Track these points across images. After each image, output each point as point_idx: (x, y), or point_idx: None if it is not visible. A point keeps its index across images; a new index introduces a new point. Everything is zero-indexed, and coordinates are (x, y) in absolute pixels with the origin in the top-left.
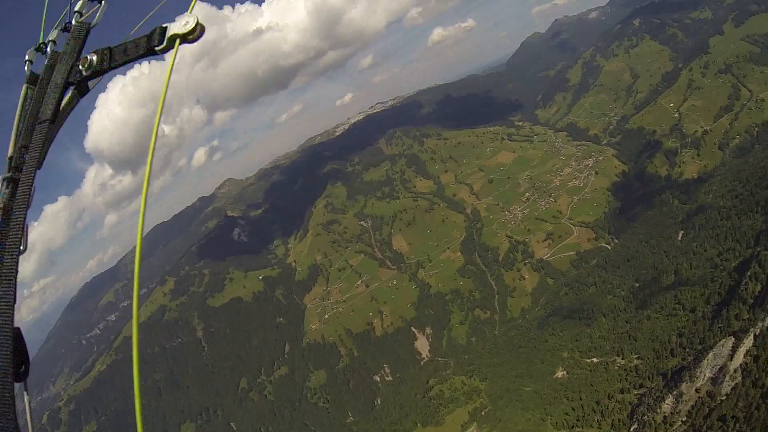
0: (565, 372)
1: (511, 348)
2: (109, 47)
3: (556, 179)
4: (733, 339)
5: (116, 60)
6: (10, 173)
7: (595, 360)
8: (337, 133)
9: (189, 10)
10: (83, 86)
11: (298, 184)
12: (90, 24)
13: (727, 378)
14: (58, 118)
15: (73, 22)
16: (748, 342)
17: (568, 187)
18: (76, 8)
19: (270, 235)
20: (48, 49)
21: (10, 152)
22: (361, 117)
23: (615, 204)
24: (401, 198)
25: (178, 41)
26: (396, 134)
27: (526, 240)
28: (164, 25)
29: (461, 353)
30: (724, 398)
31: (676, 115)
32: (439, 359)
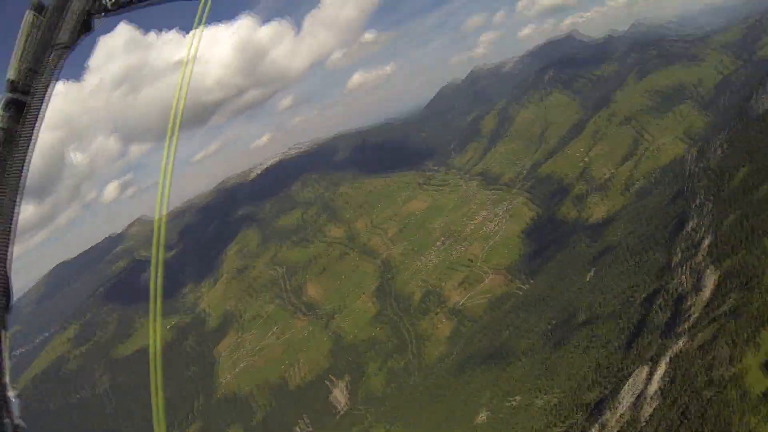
0: (487, 415)
1: (430, 395)
2: None
3: (469, 225)
4: (648, 366)
5: None
6: (14, 95)
7: (516, 400)
8: (252, 176)
9: None
10: (89, 23)
11: (211, 227)
12: None
13: (646, 403)
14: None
15: None
16: (663, 367)
17: (481, 233)
18: None
19: (182, 279)
20: None
21: (11, 75)
22: (276, 160)
23: (528, 248)
24: (314, 245)
25: None
26: (310, 180)
27: (441, 286)
28: None
29: (379, 403)
30: (645, 423)
31: (584, 161)
32: (358, 409)
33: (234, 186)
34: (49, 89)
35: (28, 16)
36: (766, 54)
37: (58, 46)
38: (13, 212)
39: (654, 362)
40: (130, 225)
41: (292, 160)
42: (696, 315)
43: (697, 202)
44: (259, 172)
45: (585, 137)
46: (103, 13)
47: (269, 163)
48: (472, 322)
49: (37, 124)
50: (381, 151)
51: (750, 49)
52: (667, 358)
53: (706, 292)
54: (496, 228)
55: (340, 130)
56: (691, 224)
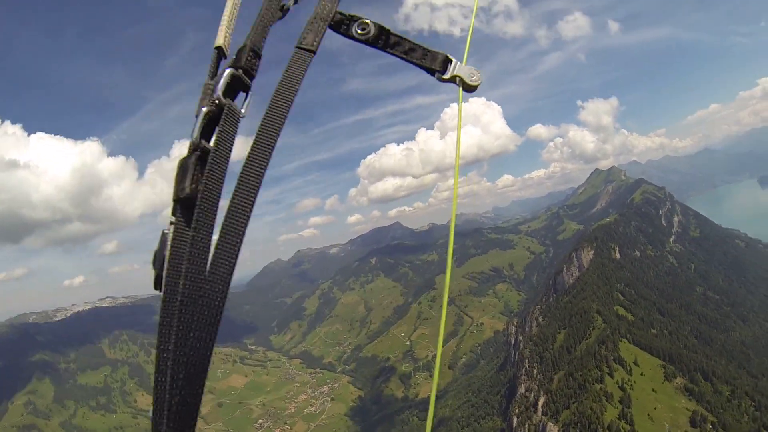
0: None
1: None
2: (388, 28)
3: (291, 406)
4: None
5: (389, 46)
6: (237, 70)
7: None
8: (57, 318)
9: (464, 61)
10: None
11: None
12: None
13: None
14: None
15: None
16: None
17: (303, 414)
18: None
19: None
20: None
21: (222, 42)
22: (87, 307)
23: (354, 428)
24: (119, 413)
25: (461, 84)
26: (122, 337)
27: None
28: (451, 57)
29: None
30: None
31: (408, 342)
32: None
33: (34, 324)
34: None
35: None
36: (565, 237)
37: (306, 49)
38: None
39: None
40: None
41: (105, 310)
42: None
43: (525, 367)
44: (66, 315)
45: (408, 319)
46: (340, 33)
47: (79, 308)
48: None
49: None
50: None
51: (553, 234)
52: None
53: None
54: (320, 409)
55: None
56: (523, 388)
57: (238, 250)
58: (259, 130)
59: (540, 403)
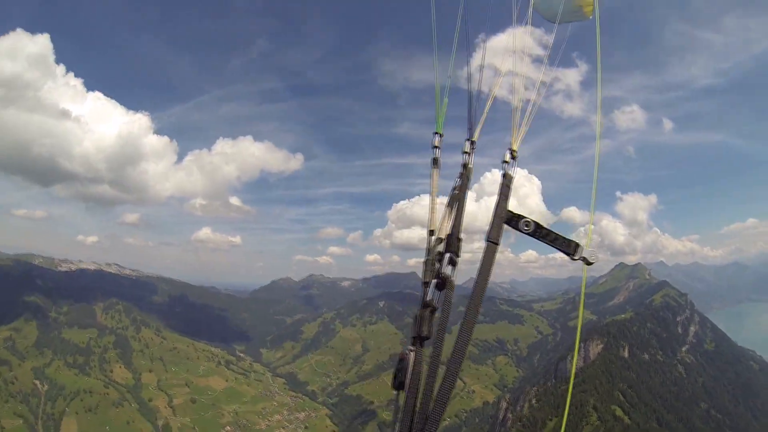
0: None
1: None
2: (543, 226)
3: (263, 422)
4: None
5: (544, 237)
6: (448, 254)
7: None
8: (61, 269)
9: (587, 245)
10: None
11: None
12: (514, 177)
13: None
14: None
15: (504, 170)
16: None
17: None
18: (505, 158)
19: None
20: (463, 159)
21: (432, 226)
22: (92, 267)
23: None
24: (92, 377)
25: (584, 262)
26: (118, 306)
27: None
28: (579, 244)
29: None
30: None
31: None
32: None
33: (38, 267)
34: None
35: (433, 172)
36: (576, 324)
37: (492, 242)
38: None
39: None
40: None
41: (109, 275)
42: None
43: None
44: (70, 268)
45: None
46: (512, 227)
47: (85, 266)
48: None
49: None
50: (197, 313)
51: (565, 318)
52: None
53: None
54: None
55: (166, 273)
56: None
57: (454, 383)
58: (466, 311)
59: None
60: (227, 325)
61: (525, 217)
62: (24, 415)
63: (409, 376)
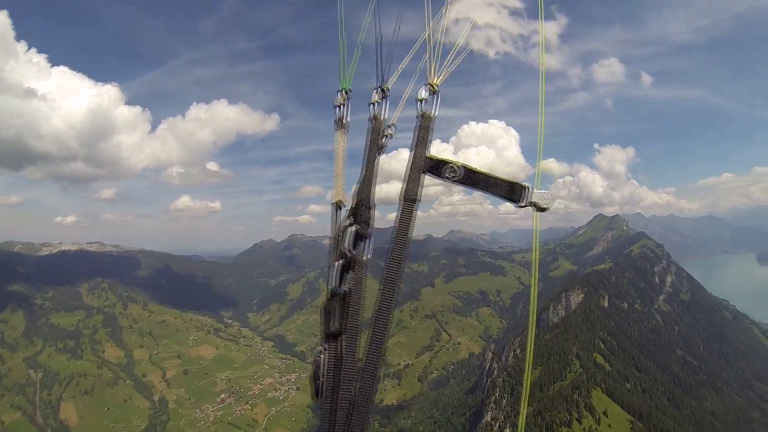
0: None
1: None
2: (476, 169)
3: (255, 387)
4: None
5: (477, 184)
6: (356, 226)
7: None
8: (42, 253)
9: (537, 186)
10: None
11: None
12: (434, 117)
13: None
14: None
15: (421, 109)
16: None
17: (267, 398)
18: (420, 96)
19: None
20: (371, 110)
21: (337, 197)
22: (74, 248)
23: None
24: (85, 360)
25: (536, 209)
26: (103, 285)
27: None
28: (526, 186)
29: None
30: None
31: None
32: None
33: (18, 254)
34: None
35: (338, 136)
36: (557, 274)
37: (410, 201)
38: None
39: None
40: None
41: (91, 255)
42: None
43: (495, 396)
44: (51, 252)
45: None
46: (435, 176)
47: (66, 247)
48: None
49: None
50: (182, 284)
51: (546, 269)
52: None
53: None
54: (284, 396)
55: (148, 246)
56: (489, 416)
57: (378, 371)
58: (385, 277)
59: None
60: (213, 292)
61: (450, 162)
62: (22, 407)
63: (323, 381)
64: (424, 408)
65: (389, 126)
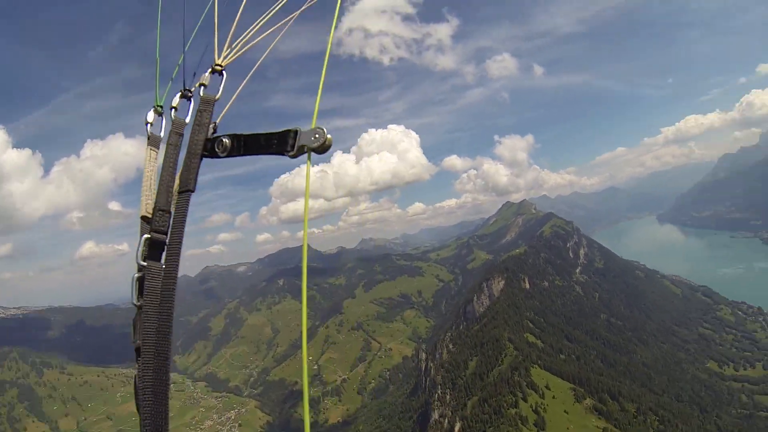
0: None
1: None
2: (242, 135)
3: None
4: None
5: (248, 149)
6: (151, 234)
7: None
8: None
9: (312, 123)
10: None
11: None
12: (215, 98)
13: None
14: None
15: (200, 93)
16: None
17: None
18: (201, 81)
19: None
20: (172, 114)
21: (144, 212)
22: None
23: None
24: None
25: (309, 152)
26: (12, 355)
27: None
28: (295, 129)
29: None
30: None
31: (316, 366)
32: None
33: None
34: (180, 235)
35: (148, 150)
36: (474, 266)
37: (185, 192)
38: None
39: None
40: None
41: None
42: None
43: (438, 393)
44: None
45: (316, 343)
46: (212, 157)
47: None
48: None
49: (173, 269)
50: (100, 338)
51: (463, 262)
52: None
53: None
54: None
55: (57, 302)
56: (437, 414)
57: (161, 402)
58: (165, 268)
59: (456, 429)
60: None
61: (218, 137)
62: None
63: (136, 397)
64: (370, 419)
65: (184, 125)
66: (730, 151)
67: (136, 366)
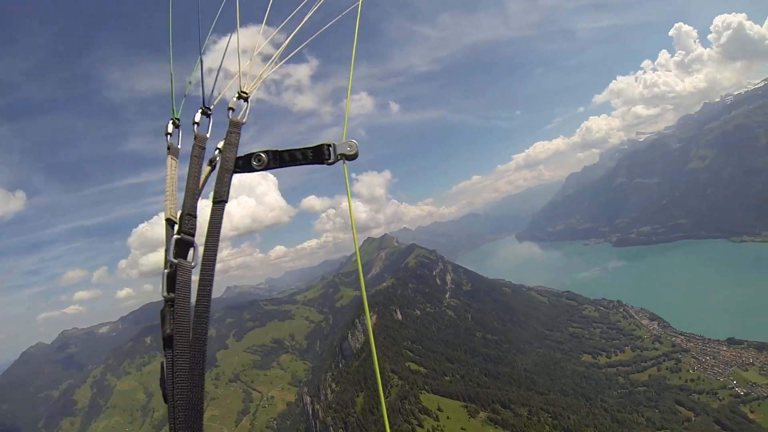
0: None
1: None
2: (278, 150)
3: None
4: None
5: (284, 161)
6: (180, 235)
7: None
8: None
9: (343, 138)
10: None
11: None
12: (243, 121)
13: None
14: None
15: (229, 116)
16: None
17: None
18: (230, 105)
19: None
20: (195, 129)
21: (168, 215)
22: None
23: None
24: None
25: (343, 159)
26: None
27: None
28: (330, 143)
29: None
30: None
31: None
32: None
33: None
34: (216, 243)
35: (169, 159)
36: (343, 303)
37: (219, 202)
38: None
39: None
40: None
41: None
42: None
43: None
44: None
45: None
46: (244, 172)
47: None
48: None
49: (208, 276)
50: None
51: (331, 301)
52: None
53: None
54: None
55: None
56: None
57: (199, 380)
58: (200, 278)
59: None
60: None
61: (255, 153)
62: None
63: (164, 385)
64: None
65: (205, 139)
66: (576, 170)
67: (164, 354)
